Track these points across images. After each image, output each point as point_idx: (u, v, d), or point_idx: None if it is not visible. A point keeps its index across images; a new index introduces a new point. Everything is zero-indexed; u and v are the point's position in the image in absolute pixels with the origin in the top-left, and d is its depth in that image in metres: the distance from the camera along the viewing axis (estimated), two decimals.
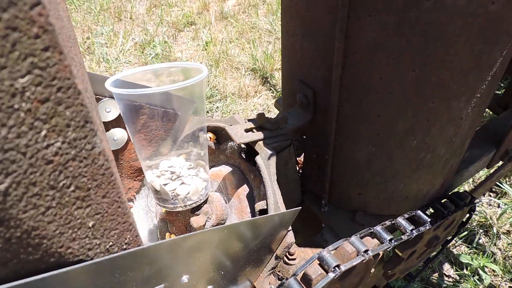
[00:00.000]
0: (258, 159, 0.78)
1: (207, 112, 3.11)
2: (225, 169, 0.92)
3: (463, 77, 0.67)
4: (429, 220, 0.88)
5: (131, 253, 0.43)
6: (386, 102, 0.71)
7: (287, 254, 0.81)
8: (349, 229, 0.95)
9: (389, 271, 1.01)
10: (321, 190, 0.95)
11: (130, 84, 0.79)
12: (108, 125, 0.85)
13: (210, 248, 0.56)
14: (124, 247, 0.45)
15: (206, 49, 3.57)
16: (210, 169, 0.96)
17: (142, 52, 3.47)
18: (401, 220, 0.84)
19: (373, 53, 0.65)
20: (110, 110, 0.82)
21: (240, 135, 0.78)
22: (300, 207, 0.70)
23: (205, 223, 0.87)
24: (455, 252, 1.89)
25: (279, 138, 0.81)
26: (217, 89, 3.22)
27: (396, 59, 0.64)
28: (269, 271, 0.76)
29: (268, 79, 3.27)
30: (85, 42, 3.50)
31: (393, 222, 0.85)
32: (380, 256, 0.84)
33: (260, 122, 0.81)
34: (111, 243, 0.42)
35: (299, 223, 1.07)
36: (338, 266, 0.70)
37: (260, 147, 0.79)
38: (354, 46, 0.66)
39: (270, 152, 0.78)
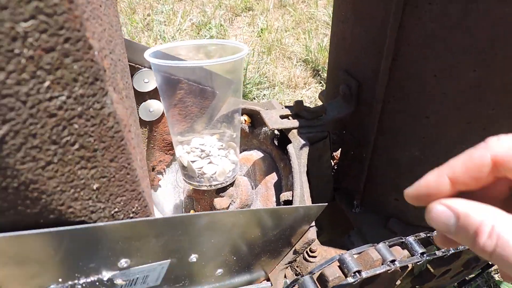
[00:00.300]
0: (290, 147, 0.74)
1: (253, 98, 3.09)
2: (256, 154, 0.89)
3: None
4: None
5: (136, 223, 0.42)
6: (438, 103, 0.64)
7: (308, 250, 0.77)
8: (379, 235, 0.89)
9: (416, 287, 0.94)
10: (355, 189, 0.90)
11: (169, 56, 0.78)
12: (145, 96, 0.84)
13: (224, 231, 0.54)
14: (131, 215, 0.44)
15: (260, 36, 3.54)
16: (241, 152, 0.94)
17: (198, 33, 3.51)
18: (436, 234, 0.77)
19: (430, 46, 0.58)
20: (148, 81, 0.82)
21: (274, 120, 0.75)
22: (326, 203, 0.65)
23: (229, 206, 0.85)
24: (496, 278, 1.75)
25: (315, 129, 0.76)
26: (266, 77, 3.19)
27: (456, 56, 0.57)
28: (286, 264, 0.73)
29: (320, 72, 3.19)
30: (145, 18, 3.59)
31: (428, 235, 0.78)
32: (409, 269, 0.78)
33: (297, 110, 0.77)
34: (116, 209, 0.41)
35: (327, 221, 1.02)
36: (359, 272, 0.65)
37: (293, 135, 0.75)
38: (409, 37, 0.60)
39: (303, 142, 0.73)
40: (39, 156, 0.31)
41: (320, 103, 3.01)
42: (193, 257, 0.54)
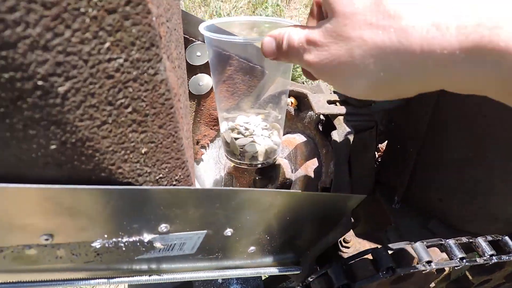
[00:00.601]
0: (334, 134, 0.73)
1: (303, 82, 3.05)
2: (299, 138, 0.88)
3: None
4: None
5: (178, 190, 0.43)
6: (497, 101, 0.59)
7: (341, 240, 0.76)
8: (418, 235, 0.86)
9: None
10: (397, 184, 0.87)
11: (223, 31, 0.78)
12: (196, 69, 0.86)
13: (260, 209, 0.54)
14: (174, 183, 0.45)
15: None
16: (284, 135, 0.94)
17: (254, 12, 3.49)
18: (481, 241, 0.73)
19: None
20: (201, 55, 0.83)
21: (321, 105, 0.74)
22: (366, 195, 0.64)
23: (267, 187, 0.86)
24: None
25: (362, 117, 0.74)
26: None
27: None
28: (318, 251, 0.72)
29: None
30: None
31: (471, 240, 0.74)
32: (446, 273, 0.75)
33: (345, 96, 0.75)
34: (161, 175, 0.43)
35: (364, 213, 1.00)
36: (392, 268, 0.64)
37: (339, 122, 0.73)
38: None
39: (348, 129, 0.72)
40: (95, 115, 0.33)
41: None
42: (228, 231, 0.55)
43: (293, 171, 0.86)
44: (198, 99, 0.91)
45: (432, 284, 0.82)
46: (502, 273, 0.90)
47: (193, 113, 0.93)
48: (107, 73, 0.31)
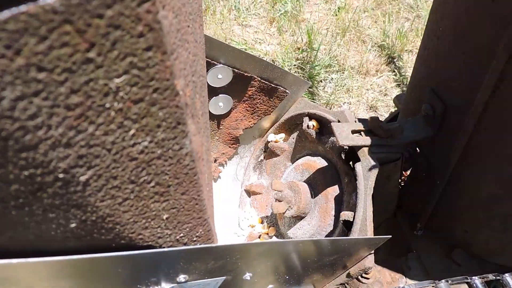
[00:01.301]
0: (357, 166, 0.70)
1: (320, 81, 3.00)
2: (320, 162, 0.86)
3: None
4: None
5: (197, 249, 0.42)
6: None
7: (362, 272, 0.75)
8: (440, 264, 0.83)
9: None
10: (420, 212, 0.84)
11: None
12: (217, 91, 0.84)
13: (279, 255, 0.53)
14: (195, 239, 0.44)
15: (336, 15, 3.38)
16: (304, 157, 0.91)
17: (273, 7, 3.43)
18: (509, 279, 0.70)
19: None
20: (222, 77, 0.81)
21: (345, 136, 0.71)
22: (390, 236, 0.62)
23: (285, 212, 0.84)
24: None
25: (388, 149, 0.72)
26: (336, 60, 3.06)
27: None
28: (337, 285, 0.71)
29: (395, 60, 3.00)
30: None
31: (498, 278, 0.71)
32: None
33: (371, 126, 0.72)
34: (182, 235, 0.42)
35: (379, 235, 0.98)
36: None
37: (363, 153, 0.71)
38: None
39: (373, 162, 0.69)
40: (117, 194, 0.31)
41: (391, 94, 2.86)
42: (248, 276, 0.54)
43: (313, 196, 0.84)
44: (218, 119, 0.90)
45: None
46: None
47: (212, 132, 0.92)
48: (131, 156, 0.30)
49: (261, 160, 1.01)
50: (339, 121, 0.77)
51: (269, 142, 0.96)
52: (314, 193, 0.84)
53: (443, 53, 0.65)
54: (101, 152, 0.28)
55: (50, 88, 0.22)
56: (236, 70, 0.81)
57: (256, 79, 0.84)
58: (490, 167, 0.64)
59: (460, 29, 0.59)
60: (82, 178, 0.28)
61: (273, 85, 0.86)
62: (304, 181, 0.87)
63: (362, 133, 0.73)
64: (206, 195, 0.43)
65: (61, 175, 0.27)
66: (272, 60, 3.10)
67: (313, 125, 0.85)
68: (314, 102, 2.93)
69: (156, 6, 0.24)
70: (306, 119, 0.86)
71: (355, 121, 0.76)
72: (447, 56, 0.64)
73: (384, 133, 0.71)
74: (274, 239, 0.90)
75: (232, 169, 1.02)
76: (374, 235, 0.92)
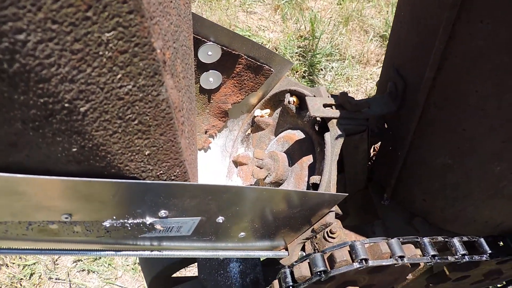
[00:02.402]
0: (326, 136, 0.80)
1: (321, 70, 3.07)
2: (298, 135, 0.95)
3: None
4: (489, 251, 0.81)
5: (174, 185, 0.52)
6: (477, 118, 0.65)
7: (328, 231, 0.84)
8: (402, 230, 0.93)
9: (430, 284, 0.98)
10: (386, 183, 0.94)
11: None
12: (207, 67, 0.93)
13: (247, 203, 0.63)
14: (173, 178, 0.54)
15: (340, 4, 3.43)
16: (286, 130, 1.01)
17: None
18: (455, 241, 0.80)
19: (475, 63, 0.60)
20: (211, 54, 0.90)
21: (317, 108, 0.80)
22: (347, 194, 0.72)
23: (265, 178, 0.94)
24: None
25: (354, 121, 0.81)
26: (338, 49, 3.13)
27: (500, 77, 0.58)
28: (303, 239, 0.81)
29: None
30: None
31: (446, 240, 0.81)
32: (421, 267, 0.82)
33: (341, 101, 0.81)
34: (161, 172, 0.52)
35: (356, 207, 1.07)
36: (366, 260, 0.72)
37: (332, 124, 0.80)
38: (457, 50, 0.61)
39: (339, 132, 0.79)
40: (108, 126, 0.41)
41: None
42: (220, 219, 0.64)
43: (290, 164, 0.94)
44: (209, 93, 0.99)
45: (410, 276, 0.89)
46: (479, 270, 0.97)
47: (203, 105, 1.01)
48: (118, 96, 0.39)
49: (248, 133, 1.11)
50: (314, 96, 0.86)
51: (256, 117, 1.05)
52: (292, 162, 0.94)
53: (404, 35, 0.74)
54: (96, 90, 0.37)
55: (60, 36, 0.32)
56: (225, 48, 0.90)
57: (243, 57, 0.93)
58: (440, 139, 0.73)
59: (416, 14, 0.68)
60: (82, 109, 0.38)
61: (259, 63, 0.95)
62: (284, 152, 0.97)
63: (333, 107, 0.82)
64: (184, 137, 0.52)
65: (66, 105, 0.37)
66: (275, 48, 3.18)
67: (294, 101, 0.94)
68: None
69: None
70: (287, 95, 0.95)
71: (328, 97, 0.85)
72: (406, 38, 0.72)
73: (351, 107, 0.80)
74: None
75: (221, 141, 1.12)
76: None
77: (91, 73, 0.36)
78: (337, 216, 0.92)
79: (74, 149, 0.41)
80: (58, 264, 2.16)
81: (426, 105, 0.71)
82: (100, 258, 2.20)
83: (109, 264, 2.15)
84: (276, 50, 3.25)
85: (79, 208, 0.51)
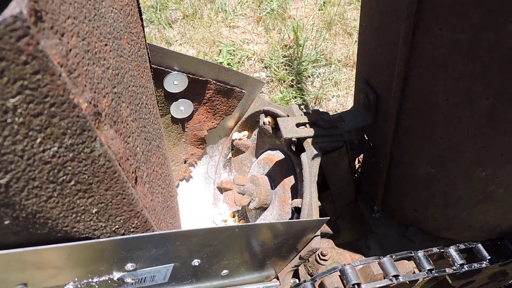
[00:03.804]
0: (302, 156, 0.76)
1: (308, 77, 3.04)
2: (278, 155, 0.92)
3: None
4: (488, 257, 0.77)
5: (133, 238, 0.48)
6: (452, 126, 0.62)
7: (319, 253, 0.80)
8: (396, 243, 0.89)
9: None
10: (374, 195, 0.90)
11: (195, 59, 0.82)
12: (176, 96, 0.90)
13: (221, 242, 0.59)
14: (132, 230, 0.50)
15: (322, 10, 3.43)
16: (266, 151, 0.97)
17: (259, 6, 3.49)
18: (452, 251, 0.76)
19: (441, 71, 0.56)
20: (178, 83, 0.87)
21: (289, 129, 0.77)
22: (328, 218, 0.68)
23: (249, 204, 0.91)
24: None
25: (330, 138, 0.77)
26: (323, 54, 3.11)
27: (467, 83, 0.55)
28: (292, 267, 0.77)
29: None
30: None
31: (442, 250, 0.77)
32: (420, 281, 0.78)
33: (314, 118, 0.78)
34: (117, 226, 0.48)
35: (349, 220, 1.03)
36: (358, 284, 0.67)
37: (307, 144, 0.77)
38: (420, 59, 0.58)
39: (315, 152, 0.75)
40: (40, 193, 0.38)
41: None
42: (196, 262, 0.60)
43: (273, 187, 0.90)
44: (182, 122, 0.96)
45: None
46: (484, 274, 0.92)
47: (178, 135, 0.98)
48: (44, 160, 0.36)
49: (230, 157, 1.07)
50: (288, 116, 0.83)
51: (234, 140, 1.02)
52: (274, 184, 0.90)
53: (367, 46, 0.70)
54: (14, 159, 0.34)
55: None
56: (191, 76, 0.87)
57: (211, 82, 0.90)
58: (419, 149, 0.70)
59: (375, 25, 0.65)
60: (2, 181, 0.34)
61: (229, 87, 0.92)
62: (266, 174, 0.93)
63: (306, 125, 0.79)
64: (140, 190, 0.49)
65: None
66: (260, 59, 3.17)
67: (269, 121, 0.91)
68: (302, 97, 2.97)
69: (35, 38, 0.30)
70: (262, 116, 0.92)
71: (301, 115, 0.82)
72: (370, 49, 0.69)
73: (325, 123, 0.77)
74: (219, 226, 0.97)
75: (203, 168, 1.08)
76: (332, 220, 0.97)
77: (3, 143, 0.33)
78: (328, 235, 0.88)
79: (7, 222, 0.38)
80: None
81: (399, 115, 0.68)
82: None
83: None
84: (262, 62, 3.24)
85: (33, 277, 0.47)
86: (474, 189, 0.70)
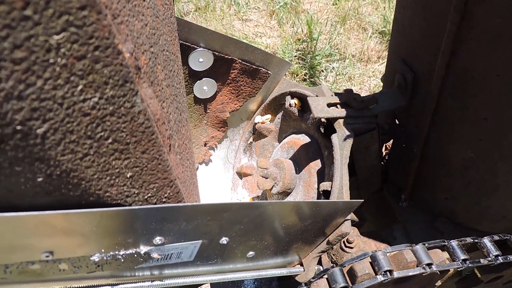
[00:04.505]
0: (333, 137, 0.73)
1: (322, 71, 3.01)
2: (303, 139, 0.89)
3: None
4: None
5: (165, 208, 0.45)
6: (500, 105, 0.58)
7: (345, 241, 0.77)
8: (424, 233, 0.85)
9: None
10: (403, 183, 0.86)
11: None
12: (200, 75, 0.87)
13: (252, 220, 0.56)
14: (164, 200, 0.48)
15: (336, 4, 3.38)
16: (290, 135, 0.94)
17: (272, 0, 3.45)
18: (486, 241, 0.72)
19: (495, 43, 0.53)
20: (203, 61, 0.84)
21: (320, 108, 0.74)
22: (362, 200, 0.64)
23: (272, 188, 0.88)
24: None
25: (363, 120, 0.74)
26: (337, 48, 3.07)
27: None
28: (319, 253, 0.74)
29: None
30: None
31: (476, 241, 0.73)
32: (451, 273, 0.75)
33: (346, 98, 0.75)
34: (150, 194, 0.45)
35: (372, 211, 1.00)
36: (390, 271, 0.64)
37: (339, 125, 0.73)
38: (471, 32, 0.54)
39: (348, 133, 0.72)
40: (76, 149, 0.35)
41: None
42: (224, 240, 0.57)
43: (298, 171, 0.87)
44: (204, 102, 0.93)
45: (439, 282, 0.81)
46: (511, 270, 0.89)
47: (200, 116, 0.95)
48: (83, 111, 0.33)
49: (251, 142, 1.04)
50: (317, 96, 0.80)
51: (256, 123, 0.99)
52: (299, 169, 0.87)
53: (408, 23, 0.67)
54: (53, 106, 0.31)
55: None
56: (217, 53, 0.84)
57: (237, 62, 0.87)
58: (459, 131, 0.66)
59: None
60: (39, 131, 0.32)
61: (254, 67, 0.89)
62: (290, 158, 0.90)
63: (338, 106, 0.76)
64: (173, 159, 0.46)
65: (18, 127, 0.30)
66: (274, 53, 3.13)
67: (295, 103, 0.88)
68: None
69: None
70: (288, 97, 0.89)
71: (332, 96, 0.78)
72: (412, 25, 0.66)
73: (358, 104, 0.74)
74: None
75: (223, 152, 1.05)
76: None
77: (43, 87, 0.30)
78: (353, 223, 0.85)
79: (40, 179, 0.35)
80: None
81: (440, 94, 0.64)
82: None
83: None
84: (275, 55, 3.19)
85: (59, 245, 0.44)
86: None
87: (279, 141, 0.98)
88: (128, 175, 0.41)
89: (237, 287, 1.18)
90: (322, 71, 3.02)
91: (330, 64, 3.02)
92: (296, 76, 2.99)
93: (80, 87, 0.32)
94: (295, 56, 3.10)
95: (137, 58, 0.38)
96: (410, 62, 0.70)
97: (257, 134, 1.01)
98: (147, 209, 0.44)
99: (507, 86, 0.55)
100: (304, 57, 3.08)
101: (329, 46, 3.06)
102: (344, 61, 3.00)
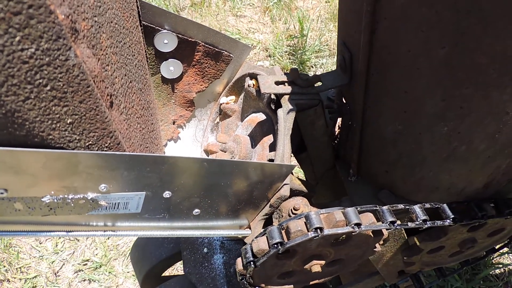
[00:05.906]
0: (279, 111, 0.80)
1: (311, 67, 3.09)
2: (260, 117, 0.96)
3: (507, 64, 0.58)
4: (452, 216, 0.81)
5: (101, 155, 0.53)
6: (414, 78, 0.66)
7: (292, 208, 0.84)
8: (368, 205, 0.93)
9: (404, 258, 0.97)
10: (351, 159, 0.94)
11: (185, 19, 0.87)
12: (166, 56, 0.95)
13: (191, 175, 0.63)
14: (105, 149, 0.55)
15: (328, 1, 3.46)
16: (250, 114, 1.02)
17: None
18: (416, 208, 0.80)
19: (402, 22, 0.60)
20: (168, 42, 0.92)
21: (268, 85, 0.81)
22: (295, 165, 0.72)
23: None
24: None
25: (306, 96, 0.82)
26: (327, 45, 3.14)
27: (425, 33, 0.59)
28: (263, 216, 0.81)
29: None
30: None
31: (407, 207, 0.81)
32: (385, 237, 0.82)
33: (292, 77, 0.82)
34: (90, 142, 0.53)
35: (328, 187, 1.08)
36: (320, 228, 0.72)
37: (284, 100, 0.81)
38: (384, 11, 0.62)
39: (291, 107, 0.79)
40: (18, 92, 0.43)
41: None
42: (167, 193, 0.65)
43: (253, 146, 0.95)
44: (172, 82, 1.01)
45: (379, 248, 0.88)
46: (452, 240, 0.96)
47: (168, 95, 1.03)
48: (22, 59, 0.41)
49: (217, 122, 1.12)
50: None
51: (222, 104, 1.07)
52: (254, 143, 0.95)
53: (344, 5, 0.75)
54: None
55: None
56: (181, 36, 0.92)
57: (201, 44, 0.95)
58: (386, 104, 0.74)
59: None
60: None
61: (217, 50, 0.97)
62: (248, 135, 0.98)
63: (285, 84, 0.83)
64: (115, 115, 0.54)
65: None
66: (265, 48, 3.21)
67: (253, 84, 0.96)
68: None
69: None
70: (247, 79, 0.96)
71: (282, 75, 0.86)
72: (344, 8, 0.73)
73: (303, 82, 0.81)
74: None
75: (191, 131, 1.13)
76: (316, 186, 1.01)
77: None
78: (302, 194, 0.92)
79: None
80: (59, 276, 2.17)
81: (368, 72, 0.72)
82: (100, 266, 2.22)
83: (109, 272, 2.16)
84: (266, 51, 3.28)
85: (12, 182, 0.52)
86: (438, 146, 0.73)
87: (242, 120, 1.06)
88: (68, 121, 0.49)
89: (208, 262, 1.26)
90: (312, 66, 3.10)
91: (319, 60, 3.10)
92: (287, 71, 3.06)
93: (18, 38, 0.40)
94: (286, 52, 3.18)
95: (74, 21, 0.46)
96: (348, 43, 0.77)
97: (223, 114, 1.09)
98: (87, 154, 0.52)
99: (416, 61, 0.63)
100: (294, 53, 3.16)
101: (319, 42, 3.13)
102: (333, 57, 3.07)
